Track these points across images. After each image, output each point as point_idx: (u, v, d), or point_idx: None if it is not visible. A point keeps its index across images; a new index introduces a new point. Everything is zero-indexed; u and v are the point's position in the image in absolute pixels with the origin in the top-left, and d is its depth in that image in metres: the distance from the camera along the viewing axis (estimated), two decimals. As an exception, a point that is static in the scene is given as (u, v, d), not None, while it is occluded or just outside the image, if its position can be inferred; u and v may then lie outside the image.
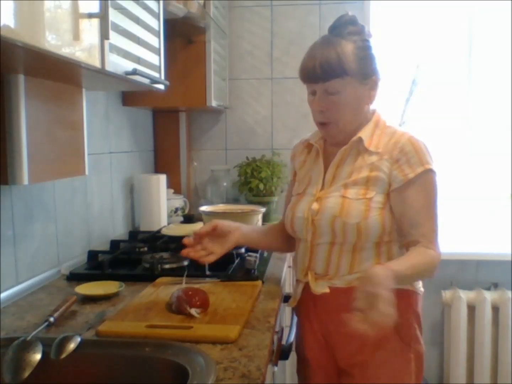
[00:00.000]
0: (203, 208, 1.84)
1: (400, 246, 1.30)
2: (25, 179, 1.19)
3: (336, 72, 1.25)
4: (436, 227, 1.27)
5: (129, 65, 1.20)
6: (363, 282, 1.06)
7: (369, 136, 1.31)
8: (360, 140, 1.30)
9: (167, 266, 1.55)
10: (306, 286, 1.35)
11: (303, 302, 1.39)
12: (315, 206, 1.31)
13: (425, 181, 1.26)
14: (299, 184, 1.42)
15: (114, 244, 1.85)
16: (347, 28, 1.29)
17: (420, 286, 1.36)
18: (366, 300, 1.01)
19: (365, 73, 1.28)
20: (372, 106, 1.37)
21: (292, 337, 1.42)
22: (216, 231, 1.38)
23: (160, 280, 1.46)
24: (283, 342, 1.41)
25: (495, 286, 2.52)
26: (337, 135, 1.33)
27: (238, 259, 1.61)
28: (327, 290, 1.30)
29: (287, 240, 1.47)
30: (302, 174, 1.43)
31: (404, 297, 1.26)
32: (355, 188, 1.28)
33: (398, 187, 1.26)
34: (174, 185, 2.54)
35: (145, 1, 1.33)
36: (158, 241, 1.86)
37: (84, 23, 0.96)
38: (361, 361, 1.30)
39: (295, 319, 1.44)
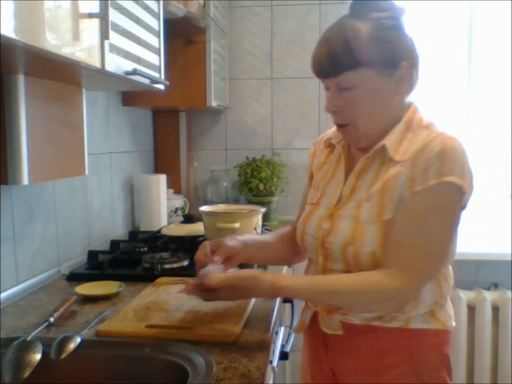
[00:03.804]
0: (203, 208, 1.84)
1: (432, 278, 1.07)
2: (25, 179, 1.19)
3: (346, 63, 1.01)
4: (428, 257, 1.01)
5: (129, 65, 1.20)
6: (240, 274, 1.07)
7: (397, 141, 1.06)
8: (384, 148, 1.06)
9: (167, 266, 1.55)
10: (316, 315, 1.17)
11: (311, 332, 1.21)
12: (326, 225, 1.10)
13: (435, 196, 0.99)
14: (314, 191, 1.21)
15: (114, 244, 1.85)
16: (368, 4, 1.04)
17: (451, 322, 1.14)
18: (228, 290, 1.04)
19: (389, 61, 1.03)
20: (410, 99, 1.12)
21: (292, 338, 1.41)
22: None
23: (160, 280, 1.46)
24: (284, 342, 1.41)
25: (495, 286, 2.52)
26: (360, 140, 1.10)
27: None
28: (340, 332, 1.11)
29: (295, 252, 1.28)
30: (318, 179, 1.22)
31: (431, 337, 1.09)
32: (368, 205, 1.05)
33: (402, 199, 1.02)
34: (174, 185, 2.54)
35: (145, 1, 1.33)
36: (158, 241, 1.86)
37: (84, 23, 0.96)
38: None
39: (297, 316, 1.40)
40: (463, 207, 1.04)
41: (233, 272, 1.11)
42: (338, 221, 1.09)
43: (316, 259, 1.16)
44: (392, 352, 1.09)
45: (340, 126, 1.10)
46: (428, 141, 1.02)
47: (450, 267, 1.16)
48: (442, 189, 0.99)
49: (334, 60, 1.02)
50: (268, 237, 1.40)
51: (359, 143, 1.12)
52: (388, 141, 1.06)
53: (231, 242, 1.21)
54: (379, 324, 1.08)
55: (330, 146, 1.22)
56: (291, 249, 1.30)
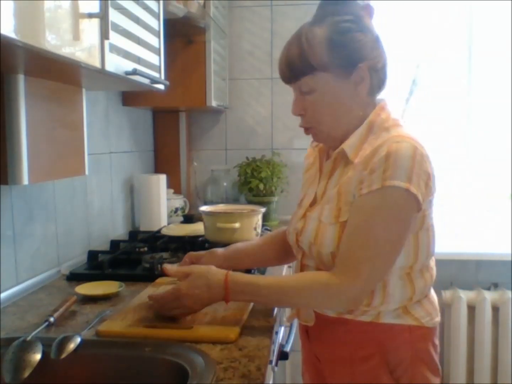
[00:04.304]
0: (203, 208, 1.84)
1: (401, 276, 1.07)
2: (25, 179, 1.19)
3: (301, 69, 1.05)
4: (374, 258, 1.01)
5: (129, 65, 1.20)
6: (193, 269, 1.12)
7: (358, 144, 1.07)
8: (343, 152, 1.09)
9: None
10: None
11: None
12: (299, 224, 1.15)
13: (380, 199, 1.00)
14: (300, 192, 1.27)
15: (114, 244, 1.85)
16: (330, 9, 1.06)
17: (430, 319, 1.12)
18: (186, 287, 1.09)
19: (345, 63, 1.05)
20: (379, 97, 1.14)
21: (292, 338, 1.41)
22: None
23: (160, 280, 1.46)
24: (284, 342, 1.41)
25: (495, 286, 2.52)
26: (326, 141, 1.15)
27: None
28: (310, 323, 1.16)
29: (291, 250, 1.28)
30: (304, 181, 1.27)
31: (404, 333, 1.09)
32: (328, 207, 1.08)
33: (354, 201, 1.04)
34: (174, 185, 2.54)
35: (145, 1, 1.33)
36: (158, 241, 1.86)
37: (84, 23, 0.96)
38: None
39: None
40: (418, 208, 1.02)
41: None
42: (308, 222, 1.13)
43: (295, 254, 1.22)
44: (363, 345, 1.10)
45: (306, 129, 1.14)
46: (378, 144, 1.03)
47: (431, 264, 1.15)
48: (386, 192, 0.99)
49: (291, 67, 1.07)
50: (255, 242, 1.44)
51: (327, 143, 1.17)
52: (347, 145, 1.08)
53: (209, 260, 1.27)
54: (350, 317, 1.10)
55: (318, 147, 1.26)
56: (285, 249, 1.31)
